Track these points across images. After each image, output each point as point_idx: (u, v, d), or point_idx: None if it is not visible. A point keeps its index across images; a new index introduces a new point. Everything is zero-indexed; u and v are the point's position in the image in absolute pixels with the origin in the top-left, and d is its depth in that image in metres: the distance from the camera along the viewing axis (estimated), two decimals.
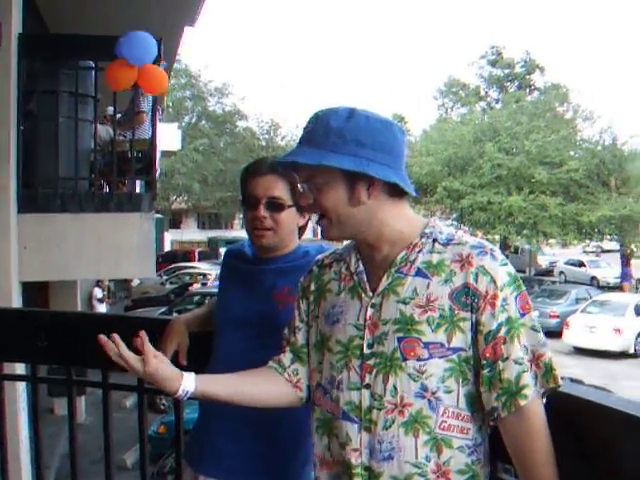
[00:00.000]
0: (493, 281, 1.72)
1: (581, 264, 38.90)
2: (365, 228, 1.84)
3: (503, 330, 1.71)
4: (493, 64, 46.82)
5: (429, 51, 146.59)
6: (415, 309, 1.76)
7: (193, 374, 1.88)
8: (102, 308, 19.98)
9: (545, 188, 32.98)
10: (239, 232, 52.71)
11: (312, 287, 2.04)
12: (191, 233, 53.15)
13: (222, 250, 39.86)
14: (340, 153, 1.75)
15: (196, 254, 39.97)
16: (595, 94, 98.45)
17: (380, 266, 1.85)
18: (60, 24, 8.02)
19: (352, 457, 1.81)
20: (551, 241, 37.64)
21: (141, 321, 3.28)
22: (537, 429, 1.71)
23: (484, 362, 1.73)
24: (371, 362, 1.80)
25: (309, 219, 2.58)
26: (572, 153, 35.11)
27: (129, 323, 3.05)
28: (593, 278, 36.71)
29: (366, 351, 1.81)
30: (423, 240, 1.83)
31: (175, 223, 53.31)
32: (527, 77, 46.01)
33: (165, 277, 28.29)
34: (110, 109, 7.26)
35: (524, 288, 1.78)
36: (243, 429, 2.40)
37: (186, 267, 31.62)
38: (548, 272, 41.09)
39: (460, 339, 1.73)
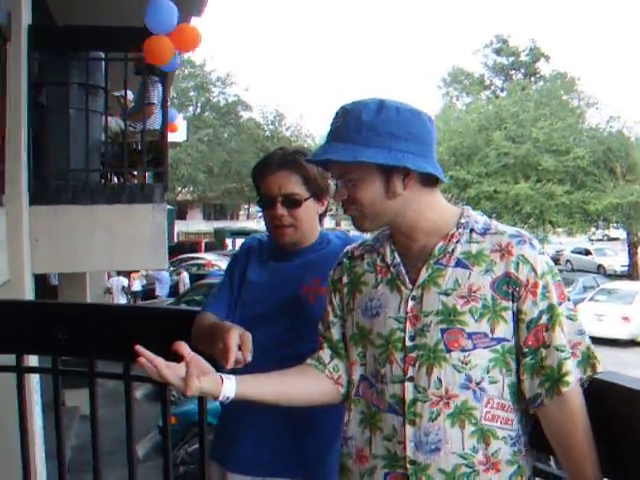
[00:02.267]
0: (533, 270, 1.73)
1: (587, 252, 38.87)
2: (400, 219, 1.83)
3: (544, 318, 1.72)
4: (498, 52, 46.74)
5: (433, 39, 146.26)
6: (458, 300, 1.75)
7: (233, 378, 1.82)
8: (123, 299, 20.26)
9: (552, 176, 32.91)
10: (245, 223, 52.74)
11: (344, 279, 2.02)
12: (197, 224, 53.10)
13: (228, 241, 39.93)
14: (374, 147, 1.73)
15: (203, 245, 40.02)
16: (602, 81, 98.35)
17: (417, 257, 1.84)
18: (67, 16, 7.97)
19: (398, 450, 1.80)
20: (558, 230, 37.56)
21: (161, 313, 3.28)
22: (578, 415, 1.71)
23: (526, 350, 1.74)
24: (414, 354, 1.79)
25: (328, 206, 2.55)
26: (578, 141, 35.02)
27: (150, 314, 3.05)
28: (600, 266, 36.65)
29: (408, 343, 1.80)
30: (460, 230, 1.82)
31: (180, 214, 53.20)
32: (532, 65, 45.90)
33: (172, 268, 28.23)
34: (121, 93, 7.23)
35: (560, 277, 1.79)
36: (275, 423, 2.36)
37: (192, 258, 31.61)
38: (555, 261, 40.80)
39: (503, 328, 1.74)
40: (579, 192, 33.15)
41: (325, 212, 2.55)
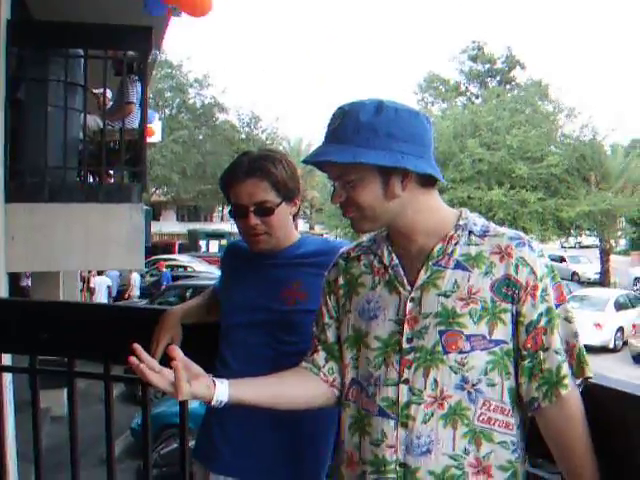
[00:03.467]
0: (533, 272, 1.72)
1: (562, 259, 39.00)
2: (399, 220, 1.81)
3: (543, 320, 1.71)
4: (474, 59, 47.00)
5: (409, 46, 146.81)
6: (457, 302, 1.73)
7: (226, 381, 1.80)
8: (105, 298, 20.20)
9: (525, 183, 33.21)
10: (218, 225, 52.55)
11: (340, 281, 1.99)
12: (170, 225, 52.77)
13: (202, 242, 39.79)
14: (373, 148, 1.71)
15: (176, 246, 39.86)
16: (576, 89, 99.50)
17: (416, 258, 1.82)
18: (44, 11, 7.89)
19: (387, 454, 1.77)
20: (531, 236, 37.88)
21: (142, 311, 3.25)
22: (577, 418, 1.71)
23: (525, 353, 1.73)
24: (410, 357, 1.76)
25: (300, 205, 2.53)
26: (553, 148, 35.37)
27: (131, 314, 3.01)
28: (574, 274, 37.03)
29: (405, 346, 1.77)
30: (459, 232, 1.80)
31: (154, 215, 52.87)
32: (508, 73, 46.21)
33: (145, 269, 28.03)
34: (100, 90, 7.18)
35: (559, 279, 1.79)
36: (259, 425, 2.34)
37: (166, 259, 31.46)
38: None
39: (501, 331, 1.72)
40: (552, 199, 33.45)
41: (298, 211, 2.53)
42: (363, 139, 1.72)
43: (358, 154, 1.70)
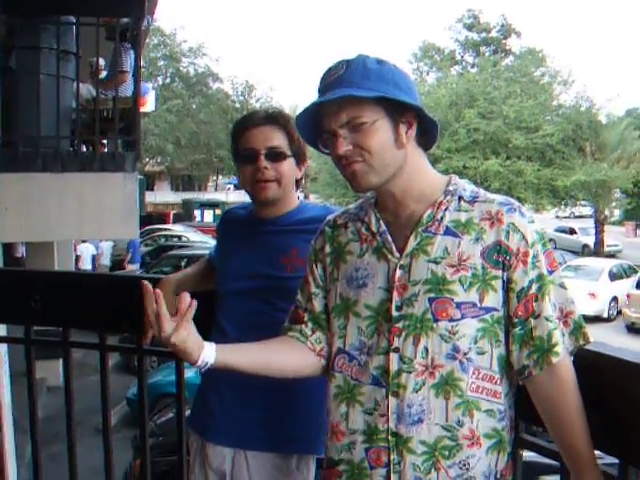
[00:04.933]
0: (524, 238, 1.70)
1: (572, 232, 38.20)
2: (398, 177, 1.78)
3: (534, 287, 1.69)
4: (469, 28, 46.75)
5: (404, 15, 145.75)
6: (447, 269, 1.71)
7: (213, 344, 1.78)
8: (90, 266, 20.03)
9: (521, 153, 33.15)
10: (213, 194, 52.42)
11: (327, 249, 1.96)
12: (164, 195, 52.59)
13: (197, 212, 39.68)
14: (384, 93, 1.70)
15: (171, 216, 39.72)
16: (572, 59, 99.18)
17: (404, 225, 1.79)
18: None
19: (379, 423, 1.76)
20: (526, 206, 37.73)
21: (136, 280, 3.22)
22: (568, 386, 1.68)
23: (516, 320, 1.71)
24: (400, 325, 1.74)
25: (305, 172, 2.50)
26: (548, 118, 35.27)
27: (125, 282, 2.98)
28: (585, 246, 36.34)
29: (394, 314, 1.75)
30: (448, 198, 1.78)
31: (148, 185, 52.64)
32: (503, 41, 46.01)
33: (140, 239, 27.83)
34: (94, 60, 7.10)
35: (550, 245, 1.77)
36: (256, 394, 2.33)
37: (161, 229, 31.40)
38: None
39: (492, 298, 1.70)
40: (548, 169, 33.41)
41: (301, 179, 2.50)
42: (373, 84, 1.71)
43: (381, 91, 1.70)
